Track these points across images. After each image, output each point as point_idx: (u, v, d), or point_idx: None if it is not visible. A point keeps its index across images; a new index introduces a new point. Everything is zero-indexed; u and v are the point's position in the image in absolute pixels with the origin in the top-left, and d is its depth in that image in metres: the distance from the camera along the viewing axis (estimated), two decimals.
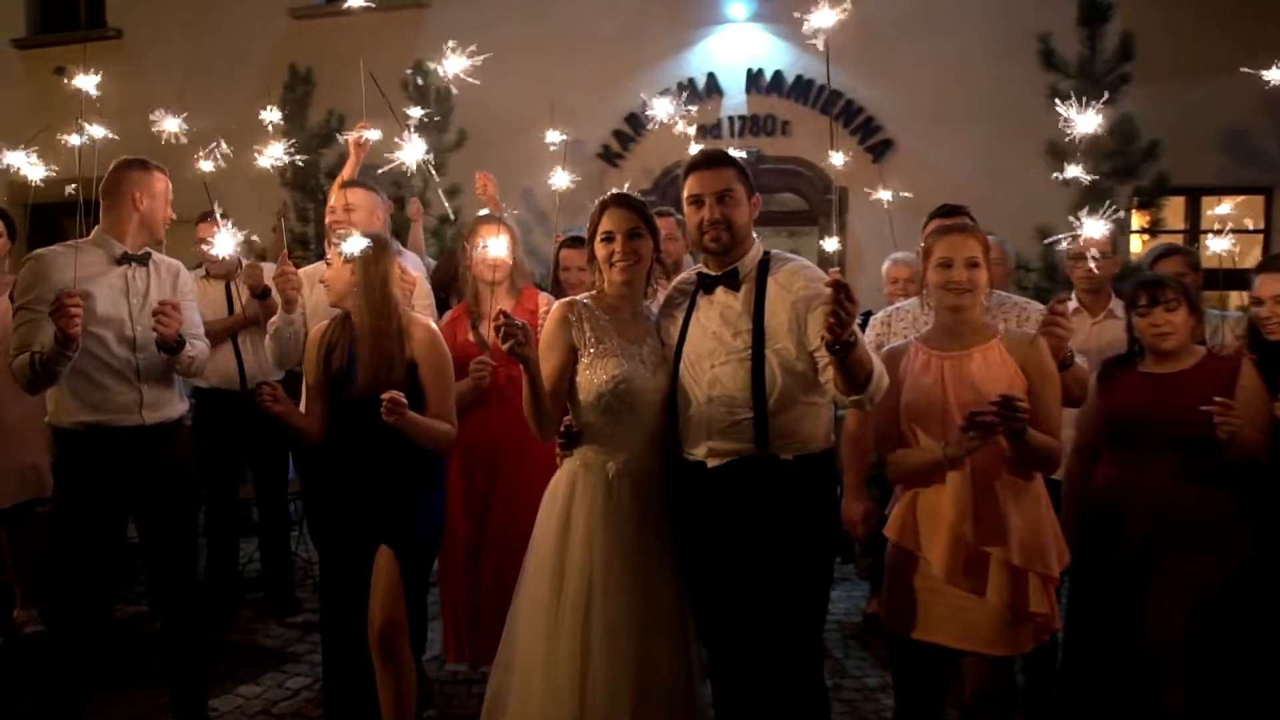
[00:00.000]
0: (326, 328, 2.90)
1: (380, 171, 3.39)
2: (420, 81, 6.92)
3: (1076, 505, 2.92)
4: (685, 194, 2.57)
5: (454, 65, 2.99)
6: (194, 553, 3.21)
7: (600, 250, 2.59)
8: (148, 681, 3.54)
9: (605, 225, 2.57)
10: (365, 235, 2.80)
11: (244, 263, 4.02)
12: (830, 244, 3.17)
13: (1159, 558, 2.68)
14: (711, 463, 2.46)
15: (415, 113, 4.27)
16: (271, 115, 4.01)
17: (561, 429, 2.62)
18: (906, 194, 2.57)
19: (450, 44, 3.04)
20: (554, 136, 3.80)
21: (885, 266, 4.58)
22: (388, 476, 2.82)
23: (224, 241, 2.77)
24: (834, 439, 2.59)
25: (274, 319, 3.30)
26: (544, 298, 3.47)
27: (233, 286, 4.32)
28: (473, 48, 2.95)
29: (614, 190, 2.64)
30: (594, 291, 2.66)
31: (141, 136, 3.08)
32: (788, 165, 7.46)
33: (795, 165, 7.44)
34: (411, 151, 2.85)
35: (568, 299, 2.65)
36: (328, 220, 3.64)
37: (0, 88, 9.02)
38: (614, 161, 7.70)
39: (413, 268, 4.01)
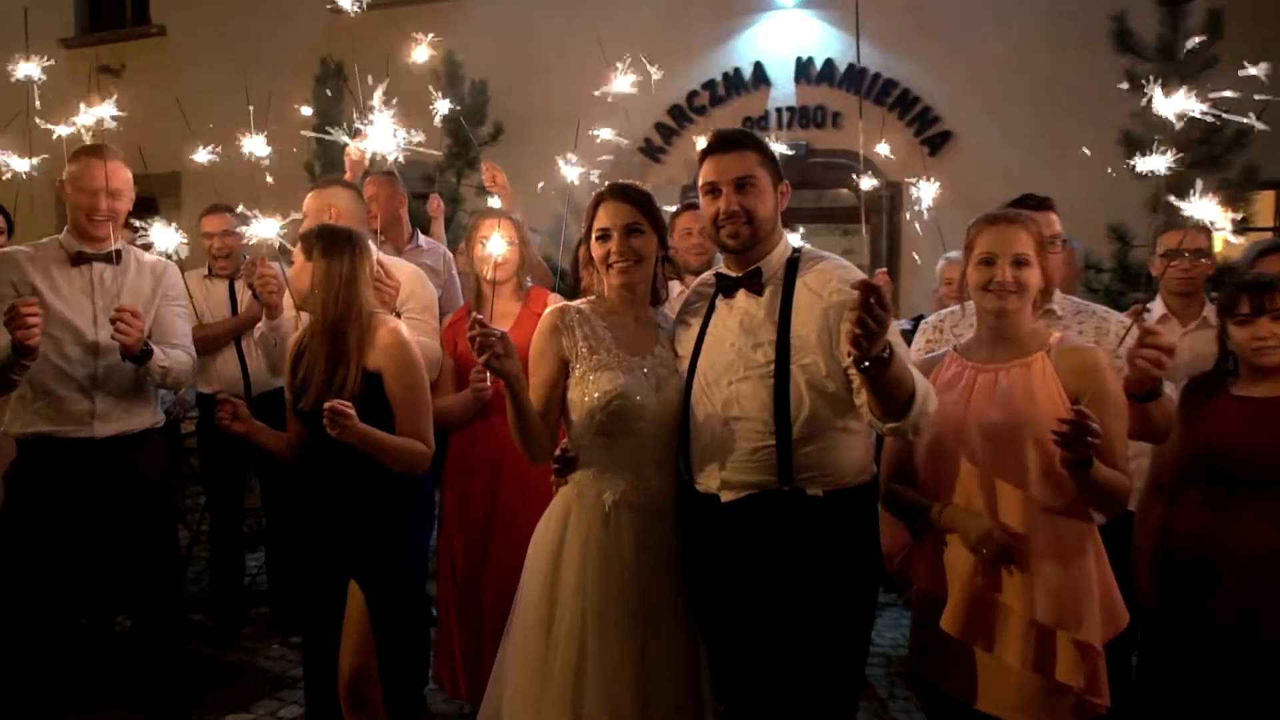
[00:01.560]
0: (301, 334, 2.64)
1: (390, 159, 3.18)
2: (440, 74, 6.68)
3: (1153, 553, 2.49)
4: (700, 181, 2.24)
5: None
6: (168, 573, 2.97)
7: (596, 249, 2.28)
8: (131, 705, 3.32)
9: (600, 221, 2.25)
10: (331, 231, 2.55)
11: (246, 259, 3.81)
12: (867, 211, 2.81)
13: (1271, 630, 2.24)
14: (726, 496, 2.13)
15: (443, 106, 4.07)
16: (305, 110, 3.85)
17: (557, 453, 2.32)
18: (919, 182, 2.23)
19: None
20: (606, 133, 3.55)
21: (940, 265, 4.23)
22: (356, 503, 2.53)
23: (162, 236, 2.51)
24: (875, 470, 2.23)
25: (259, 325, 3.06)
26: (553, 298, 3.17)
27: (237, 287, 4.10)
28: None
29: (611, 181, 2.32)
30: (593, 297, 2.35)
31: (180, 133, 2.94)
32: (839, 159, 7.07)
33: (847, 159, 7.04)
34: (377, 142, 2.60)
35: (560, 304, 2.34)
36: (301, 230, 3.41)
37: (48, 87, 9.07)
38: (656, 156, 7.40)
39: (434, 263, 3.77)
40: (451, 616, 3.17)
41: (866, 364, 1.76)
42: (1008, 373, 2.11)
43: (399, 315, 2.97)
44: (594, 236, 2.28)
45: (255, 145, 2.91)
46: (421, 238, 3.97)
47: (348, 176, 3.79)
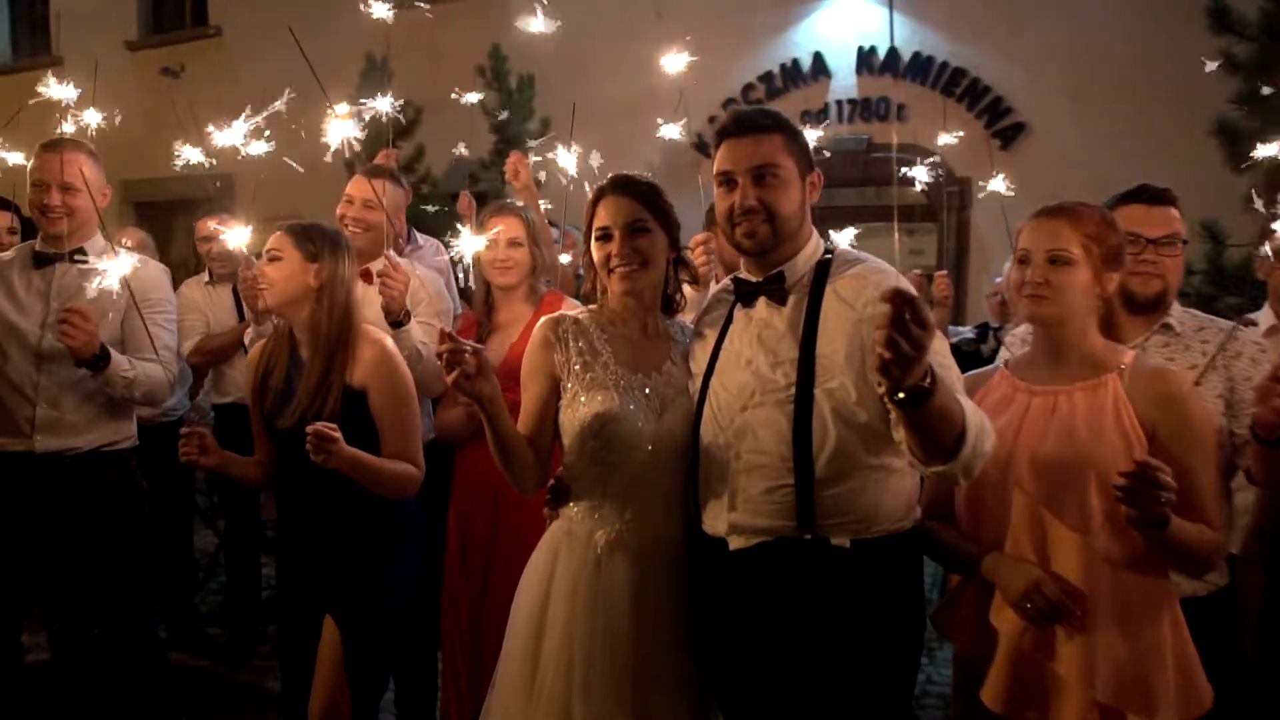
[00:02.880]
0: (265, 345, 2.41)
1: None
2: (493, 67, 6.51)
3: (1258, 612, 2.11)
4: (714, 170, 1.94)
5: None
6: (134, 597, 2.80)
7: (596, 251, 1.99)
8: None
9: (600, 219, 1.97)
10: (333, 232, 2.33)
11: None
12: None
13: None
14: (735, 543, 1.82)
15: (472, 98, 3.88)
16: (341, 109, 3.69)
17: (550, 482, 2.04)
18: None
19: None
20: (672, 131, 3.31)
21: (1007, 267, 3.83)
22: (335, 530, 2.30)
23: (115, 265, 2.28)
24: (917, 514, 1.88)
25: (248, 332, 2.87)
26: (569, 304, 2.90)
27: (240, 292, 3.93)
28: None
29: (615, 173, 2.04)
30: (595, 305, 2.07)
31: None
32: (903, 154, 6.66)
33: (911, 154, 6.64)
34: (339, 130, 2.38)
35: (554, 314, 2.06)
36: (339, 211, 3.16)
37: (112, 90, 9.18)
38: (709, 152, 7.08)
39: (430, 258, 3.54)
40: (455, 648, 2.93)
41: (901, 395, 1.41)
42: (1069, 397, 1.77)
43: (408, 317, 2.75)
44: (594, 236, 1.99)
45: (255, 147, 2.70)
46: (419, 236, 3.74)
47: None
